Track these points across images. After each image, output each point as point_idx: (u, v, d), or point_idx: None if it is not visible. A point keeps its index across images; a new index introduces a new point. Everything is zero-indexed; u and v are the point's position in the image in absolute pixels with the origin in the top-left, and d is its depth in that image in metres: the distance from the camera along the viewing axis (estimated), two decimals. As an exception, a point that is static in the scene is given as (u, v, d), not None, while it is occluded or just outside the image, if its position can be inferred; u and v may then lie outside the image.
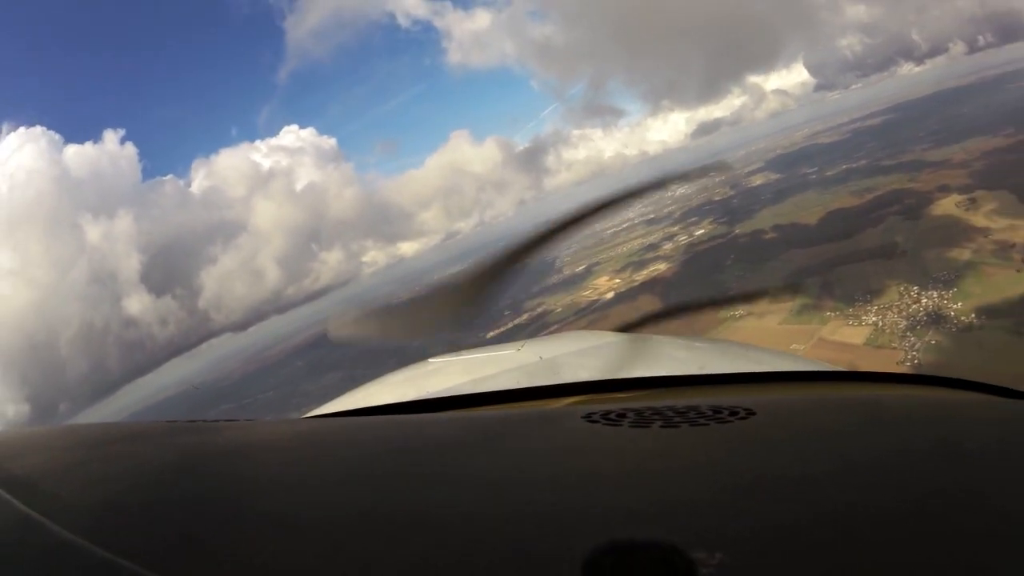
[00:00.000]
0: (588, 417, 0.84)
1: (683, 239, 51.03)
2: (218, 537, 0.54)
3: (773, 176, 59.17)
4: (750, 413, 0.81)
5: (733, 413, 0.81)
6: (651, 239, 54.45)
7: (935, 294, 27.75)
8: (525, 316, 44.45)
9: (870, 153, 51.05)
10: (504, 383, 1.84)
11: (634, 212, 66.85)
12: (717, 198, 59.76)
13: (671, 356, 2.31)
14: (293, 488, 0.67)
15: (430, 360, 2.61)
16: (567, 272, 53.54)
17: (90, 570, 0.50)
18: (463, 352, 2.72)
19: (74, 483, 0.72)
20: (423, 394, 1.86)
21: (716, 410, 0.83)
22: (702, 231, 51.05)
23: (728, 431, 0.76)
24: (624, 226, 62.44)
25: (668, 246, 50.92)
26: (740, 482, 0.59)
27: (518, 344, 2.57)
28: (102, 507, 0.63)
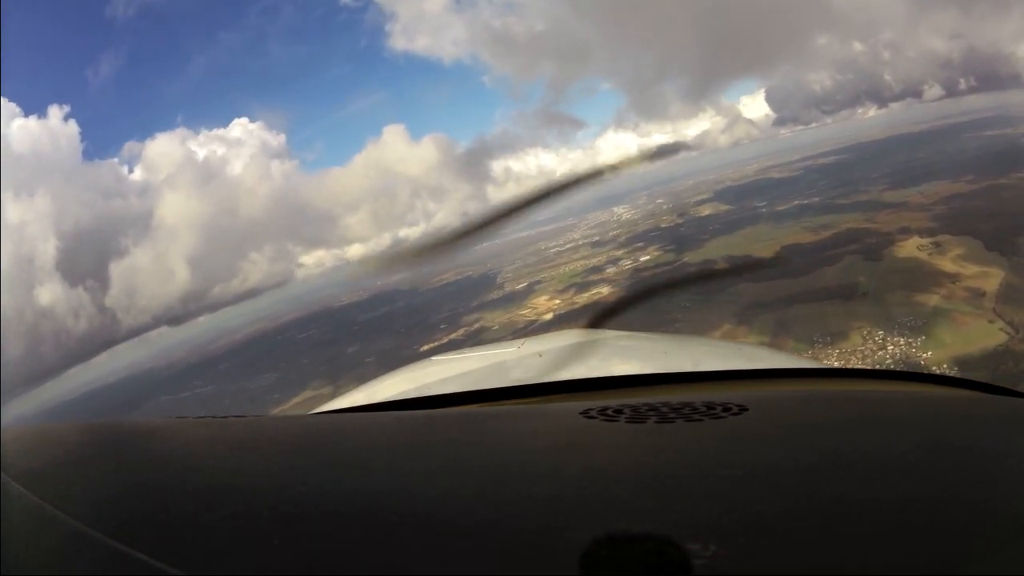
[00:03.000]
0: (586, 413, 0.86)
1: (628, 264, 48.04)
2: (228, 529, 0.55)
3: (722, 207, 57.32)
4: (743, 409, 0.83)
5: (726, 409, 0.83)
6: (595, 261, 51.50)
7: (902, 341, 25.11)
8: (462, 331, 41.51)
9: (823, 191, 49.77)
10: (504, 380, 1.90)
11: (579, 233, 64.64)
12: (664, 225, 57.86)
13: (666, 354, 2.33)
14: (301, 482, 0.68)
15: (433, 358, 2.70)
16: (508, 289, 50.40)
17: (103, 561, 0.51)
18: (464, 351, 2.87)
19: (88, 477, 0.75)
20: (426, 391, 1.86)
21: (710, 406, 0.84)
22: (648, 257, 48.24)
23: (722, 426, 0.78)
24: (568, 246, 59.85)
25: (612, 270, 47.93)
26: (733, 476, 0.61)
27: (518, 342, 2.57)
28: (115, 500, 0.65)
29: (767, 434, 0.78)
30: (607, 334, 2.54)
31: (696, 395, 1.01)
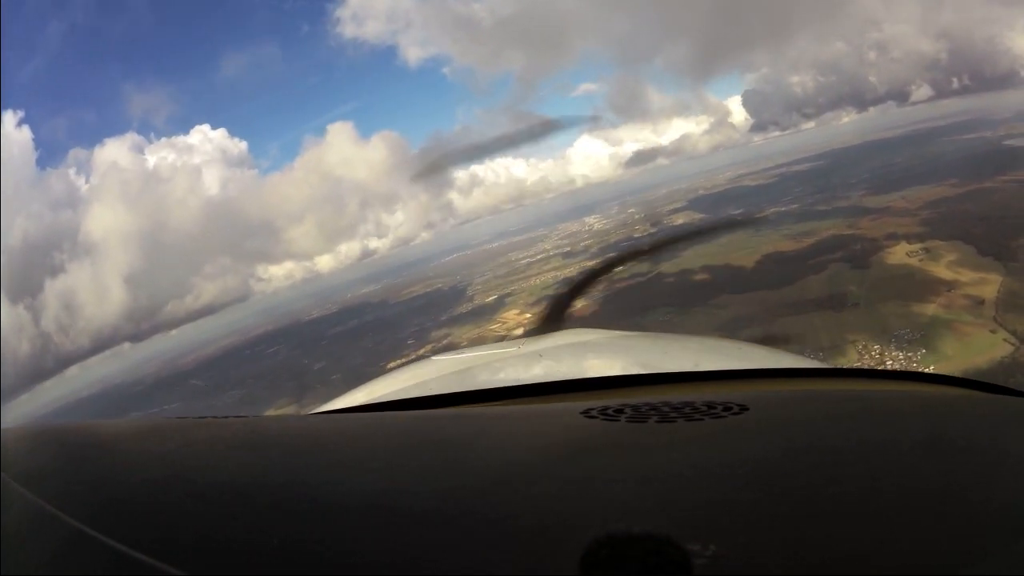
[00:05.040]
0: (586, 413, 0.86)
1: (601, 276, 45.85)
2: (228, 529, 0.56)
3: (696, 216, 55.88)
4: (743, 408, 0.83)
5: (727, 408, 0.83)
6: (566, 273, 49.37)
7: (901, 355, 23.16)
8: (429, 347, 38.64)
9: (800, 198, 48.60)
10: (504, 380, 1.88)
11: (550, 244, 62.91)
12: (637, 235, 56.23)
13: (666, 353, 2.30)
14: (301, 482, 0.68)
15: (433, 358, 2.71)
16: (478, 302, 48.76)
17: (102, 561, 0.52)
18: (465, 350, 2.82)
19: (87, 477, 0.76)
20: (426, 391, 1.82)
21: (710, 405, 0.85)
22: (621, 268, 46.16)
23: (722, 426, 0.79)
24: (539, 257, 58.05)
25: (585, 282, 45.70)
26: (734, 476, 0.61)
27: (518, 342, 2.64)
28: (114, 500, 0.65)
29: (767, 434, 0.79)
30: (607, 334, 2.59)
31: (697, 395, 1.00)
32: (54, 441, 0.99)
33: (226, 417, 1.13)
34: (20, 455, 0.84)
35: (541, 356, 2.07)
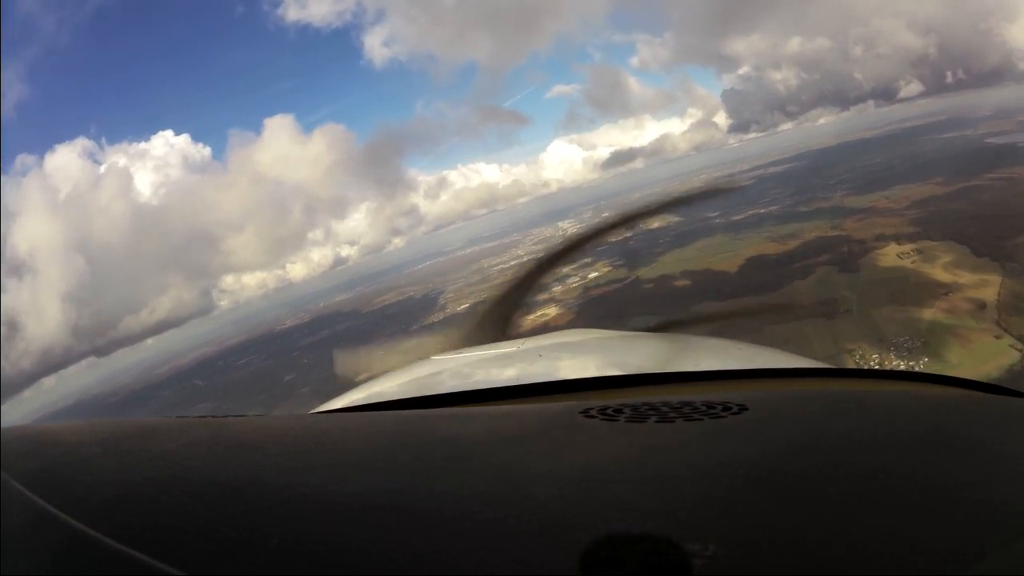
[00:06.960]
0: (586, 413, 0.87)
1: (576, 282, 43.95)
2: (228, 529, 0.56)
3: (672, 219, 54.06)
4: (743, 408, 0.84)
5: (726, 408, 0.84)
6: (540, 279, 47.22)
7: (903, 364, 21.43)
8: None
9: (780, 199, 47.37)
10: (503, 380, 1.87)
11: (523, 250, 60.97)
12: (612, 240, 54.37)
13: (666, 353, 2.23)
14: (301, 482, 0.68)
15: (433, 357, 2.61)
16: (450, 310, 47.13)
17: (103, 562, 0.51)
18: (463, 350, 2.81)
19: (88, 477, 0.76)
20: (426, 391, 1.81)
21: (710, 405, 0.85)
22: (597, 274, 44.27)
23: (721, 426, 0.79)
24: (512, 263, 55.82)
25: (558, 288, 43.82)
26: (733, 475, 0.61)
27: (518, 342, 2.55)
28: (115, 500, 0.65)
29: (767, 434, 0.79)
30: (607, 334, 2.60)
31: (696, 394, 1.00)
32: (54, 441, 0.98)
33: (226, 417, 1.13)
34: (20, 455, 0.83)
35: (541, 356, 2.07)
